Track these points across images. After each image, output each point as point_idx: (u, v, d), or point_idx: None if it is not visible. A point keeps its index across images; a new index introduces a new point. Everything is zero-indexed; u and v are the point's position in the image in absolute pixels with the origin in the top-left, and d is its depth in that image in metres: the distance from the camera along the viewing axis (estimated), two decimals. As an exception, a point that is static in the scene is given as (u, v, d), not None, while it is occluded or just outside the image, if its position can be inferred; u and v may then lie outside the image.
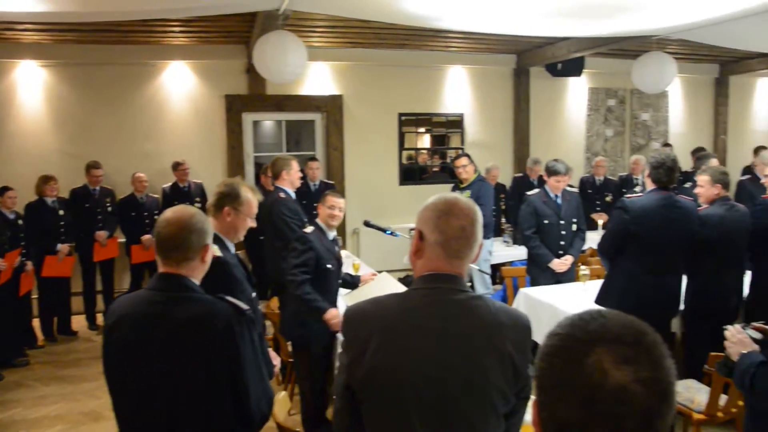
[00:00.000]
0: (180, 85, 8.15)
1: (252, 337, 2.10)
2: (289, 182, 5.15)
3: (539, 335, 1.02)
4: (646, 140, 10.63)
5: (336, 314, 3.92)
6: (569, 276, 5.31)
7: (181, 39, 7.74)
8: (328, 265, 4.00)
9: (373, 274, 4.94)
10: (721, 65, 10.81)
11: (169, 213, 2.17)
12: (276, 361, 2.96)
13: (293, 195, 5.20)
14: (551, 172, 5.37)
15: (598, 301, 4.24)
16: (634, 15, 5.71)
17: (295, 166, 5.20)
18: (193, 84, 8.19)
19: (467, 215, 1.72)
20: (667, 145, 10.05)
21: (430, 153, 9.53)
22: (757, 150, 8.68)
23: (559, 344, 0.97)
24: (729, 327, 2.52)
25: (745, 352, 2.39)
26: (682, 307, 4.37)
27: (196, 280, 2.16)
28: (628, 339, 0.93)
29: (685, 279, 4.39)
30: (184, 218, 2.13)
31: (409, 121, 9.20)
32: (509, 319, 1.69)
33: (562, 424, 0.93)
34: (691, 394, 3.80)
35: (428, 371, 1.60)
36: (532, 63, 9.27)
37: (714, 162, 5.70)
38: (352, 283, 4.69)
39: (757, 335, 2.45)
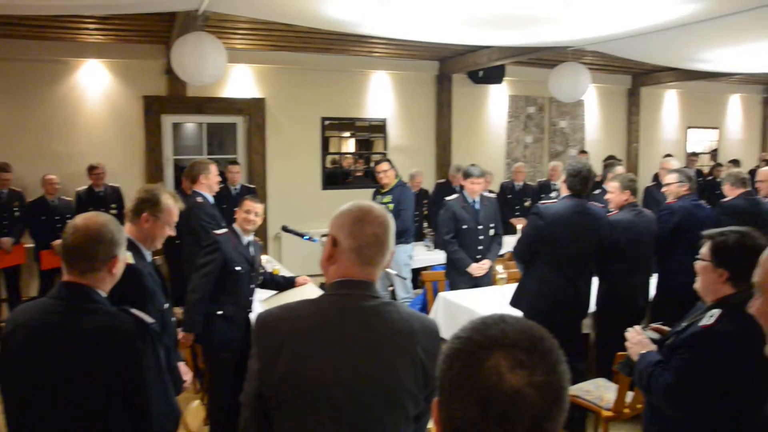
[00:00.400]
0: (96, 85, 7.85)
1: (156, 352, 2.03)
2: (207, 186, 5.09)
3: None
4: (563, 147, 10.99)
5: (185, 337, 3.93)
6: (487, 280, 5.42)
7: (97, 37, 7.47)
8: (237, 268, 3.99)
9: (306, 279, 4.92)
10: (633, 77, 11.31)
11: (79, 220, 2.08)
12: (187, 376, 2.88)
13: (211, 199, 5.14)
14: (466, 174, 5.52)
15: (512, 303, 4.33)
16: (551, 26, 5.89)
17: (213, 170, 5.14)
18: (109, 84, 7.91)
19: (381, 223, 1.73)
20: (583, 152, 10.42)
21: (355, 157, 9.55)
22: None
23: (460, 347, 0.99)
24: (630, 329, 2.64)
25: (643, 352, 2.50)
26: (593, 308, 4.54)
27: (103, 291, 2.08)
28: (525, 344, 0.96)
29: (595, 281, 4.55)
30: (94, 227, 2.05)
31: (333, 126, 9.18)
32: (420, 324, 1.73)
33: (459, 424, 0.96)
34: (601, 392, 3.95)
35: (341, 377, 1.61)
36: (454, 70, 9.42)
37: (620, 169, 5.94)
38: (286, 284, 4.66)
39: (655, 335, 2.57)
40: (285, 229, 4.79)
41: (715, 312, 2.29)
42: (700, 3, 4.93)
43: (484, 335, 0.98)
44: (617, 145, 11.47)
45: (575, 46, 7.12)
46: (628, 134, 11.68)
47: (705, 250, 2.40)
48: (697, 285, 2.43)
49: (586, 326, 4.68)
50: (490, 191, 8.19)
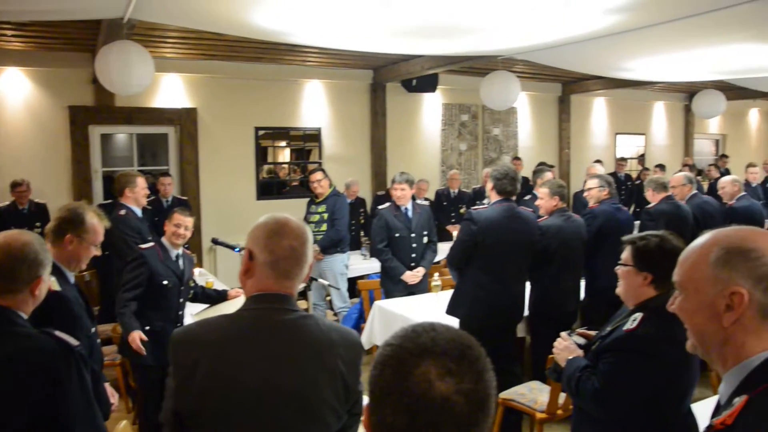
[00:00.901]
0: (17, 94, 7.52)
1: (82, 375, 1.95)
2: (133, 199, 4.98)
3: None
4: (497, 154, 11.17)
5: (135, 337, 3.74)
6: (422, 287, 5.44)
7: (16, 44, 7.16)
8: (164, 282, 3.91)
9: (238, 291, 4.84)
10: (563, 84, 11.60)
11: (0, 237, 2.00)
12: (113, 399, 2.78)
13: (138, 212, 5.02)
14: (392, 181, 5.58)
15: (448, 311, 4.33)
16: (480, 36, 5.99)
17: (140, 182, 5.01)
18: (31, 93, 7.59)
19: (298, 236, 1.71)
20: (517, 158, 10.62)
21: (292, 167, 9.47)
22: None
23: (391, 354, 1.01)
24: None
25: (570, 357, 2.54)
26: (527, 312, 4.60)
27: (23, 313, 1.98)
28: (454, 353, 0.98)
29: (528, 285, 4.62)
30: (16, 245, 1.97)
31: (267, 135, 9.09)
32: (340, 337, 1.72)
33: (389, 430, 0.98)
34: (535, 395, 4.01)
35: (260, 392, 1.59)
36: (388, 78, 9.46)
37: (549, 175, 6.09)
38: (218, 297, 4.57)
39: (582, 340, 2.62)
40: (215, 241, 4.69)
41: (638, 315, 2.35)
42: (620, 15, 5.10)
43: (415, 343, 1.00)
44: (549, 151, 11.74)
45: (505, 55, 7.27)
46: (559, 141, 11.97)
47: (626, 254, 2.46)
48: (619, 290, 2.49)
49: (521, 330, 4.75)
50: (426, 198, 8.26)
